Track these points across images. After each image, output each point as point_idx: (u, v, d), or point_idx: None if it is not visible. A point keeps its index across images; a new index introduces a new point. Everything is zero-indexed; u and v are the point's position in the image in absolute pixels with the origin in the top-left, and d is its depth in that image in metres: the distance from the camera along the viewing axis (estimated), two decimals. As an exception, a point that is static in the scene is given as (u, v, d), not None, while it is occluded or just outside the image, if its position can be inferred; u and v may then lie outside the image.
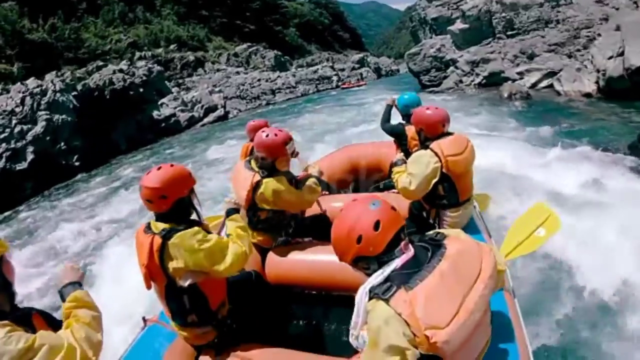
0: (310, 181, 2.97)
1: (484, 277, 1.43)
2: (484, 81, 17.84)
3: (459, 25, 20.52)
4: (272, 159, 2.78)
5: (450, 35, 20.93)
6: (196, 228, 1.99)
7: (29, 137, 15.10)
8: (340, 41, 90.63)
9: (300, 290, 2.94)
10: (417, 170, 2.76)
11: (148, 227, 2.02)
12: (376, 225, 1.43)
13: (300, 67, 52.87)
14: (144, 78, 23.31)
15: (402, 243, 1.47)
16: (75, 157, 16.23)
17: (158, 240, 1.91)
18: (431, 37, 23.91)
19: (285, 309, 2.88)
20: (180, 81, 34.81)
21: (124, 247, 5.94)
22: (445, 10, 22.71)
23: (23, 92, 16.29)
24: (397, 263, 1.43)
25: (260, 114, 27.58)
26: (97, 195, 11.82)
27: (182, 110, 24.64)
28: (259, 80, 40.27)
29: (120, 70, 22.42)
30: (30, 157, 14.66)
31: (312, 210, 3.37)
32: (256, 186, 2.74)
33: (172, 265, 1.91)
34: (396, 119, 4.08)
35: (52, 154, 15.57)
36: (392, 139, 4.15)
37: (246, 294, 2.42)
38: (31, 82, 17.01)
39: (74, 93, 17.97)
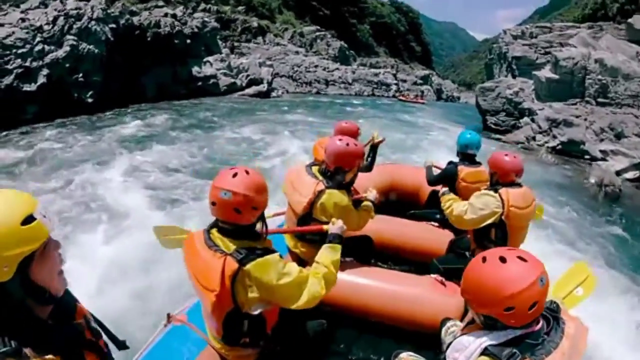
0: (367, 205, 2.87)
1: (580, 355, 1.43)
2: (559, 146, 15.17)
3: (547, 72, 17.87)
4: (347, 169, 2.64)
5: (533, 80, 18.31)
6: (276, 256, 1.74)
7: (47, 59, 13.73)
8: (410, 52, 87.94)
9: (333, 311, 2.69)
10: (477, 204, 2.80)
11: (209, 239, 1.73)
12: (532, 305, 1.31)
13: (362, 65, 50.97)
14: (195, 30, 21.78)
15: None
16: (90, 92, 14.79)
17: (233, 265, 1.64)
18: (506, 76, 21.44)
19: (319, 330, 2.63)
20: (236, 44, 33.38)
21: (134, 206, 5.89)
22: (532, 52, 20.29)
23: (59, 11, 14.94)
24: (523, 329, 1.36)
25: (307, 101, 25.97)
26: (106, 139, 10.86)
27: (225, 74, 23.09)
28: (316, 66, 38.65)
29: (173, 16, 20.90)
30: (41, 80, 13.28)
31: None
32: (317, 195, 2.57)
33: (245, 294, 1.69)
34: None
35: (66, 82, 14.18)
36: None
37: (288, 311, 2.03)
38: (71, 3, 15.63)
39: (112, 25, 16.49)
